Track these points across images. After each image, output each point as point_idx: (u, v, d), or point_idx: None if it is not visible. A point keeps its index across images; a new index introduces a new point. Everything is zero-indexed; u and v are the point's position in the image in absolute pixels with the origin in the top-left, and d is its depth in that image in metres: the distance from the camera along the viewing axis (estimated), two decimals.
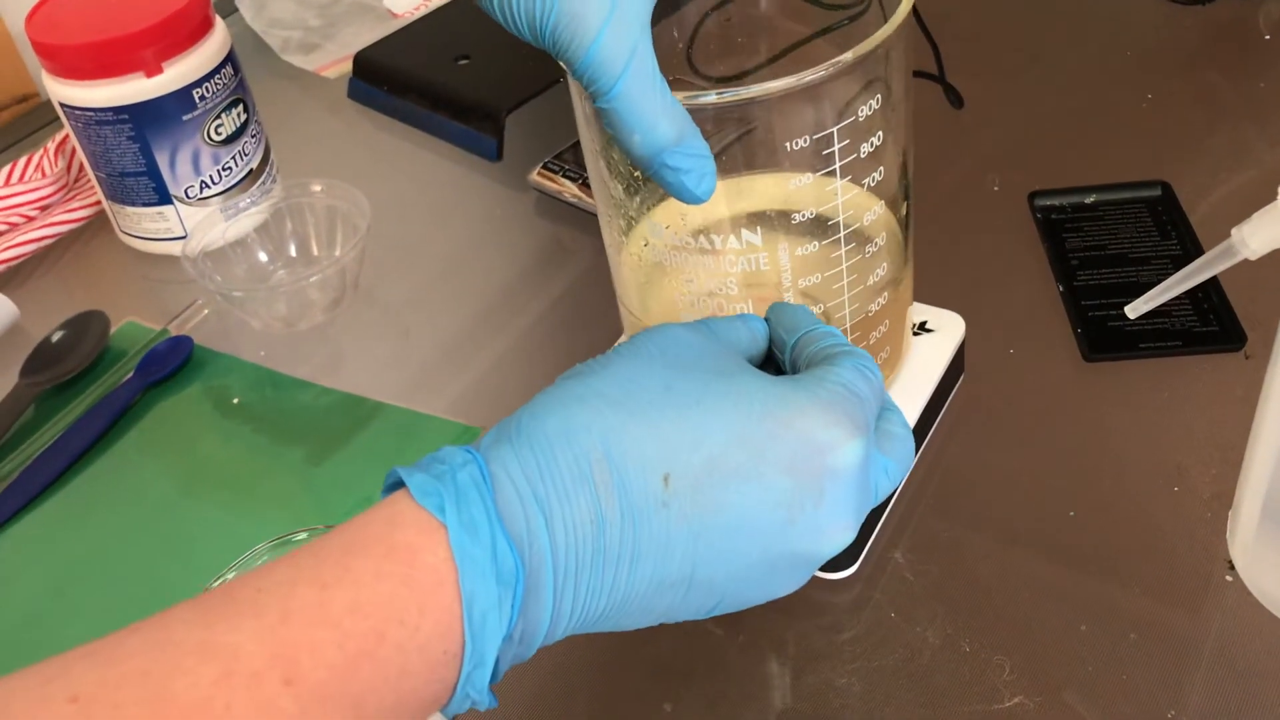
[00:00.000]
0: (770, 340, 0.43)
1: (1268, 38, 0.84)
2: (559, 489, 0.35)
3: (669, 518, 0.35)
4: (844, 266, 0.49)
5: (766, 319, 0.43)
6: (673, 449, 0.36)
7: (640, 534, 0.35)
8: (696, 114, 0.42)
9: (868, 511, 0.39)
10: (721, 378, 0.38)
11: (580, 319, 0.71)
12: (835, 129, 0.45)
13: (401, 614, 0.32)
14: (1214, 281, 0.63)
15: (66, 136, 0.83)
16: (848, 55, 0.43)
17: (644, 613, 0.37)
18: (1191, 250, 0.66)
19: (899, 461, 0.41)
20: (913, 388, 0.56)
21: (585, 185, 0.77)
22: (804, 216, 0.47)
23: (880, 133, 0.46)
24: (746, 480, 0.36)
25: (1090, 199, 0.71)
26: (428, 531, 0.34)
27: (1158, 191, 0.70)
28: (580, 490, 0.35)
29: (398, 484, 0.36)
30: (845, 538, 0.38)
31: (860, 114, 0.45)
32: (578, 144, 0.80)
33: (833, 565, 0.52)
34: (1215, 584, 0.51)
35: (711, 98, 0.42)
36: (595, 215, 0.76)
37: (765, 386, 0.38)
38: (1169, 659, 0.49)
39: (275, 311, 0.71)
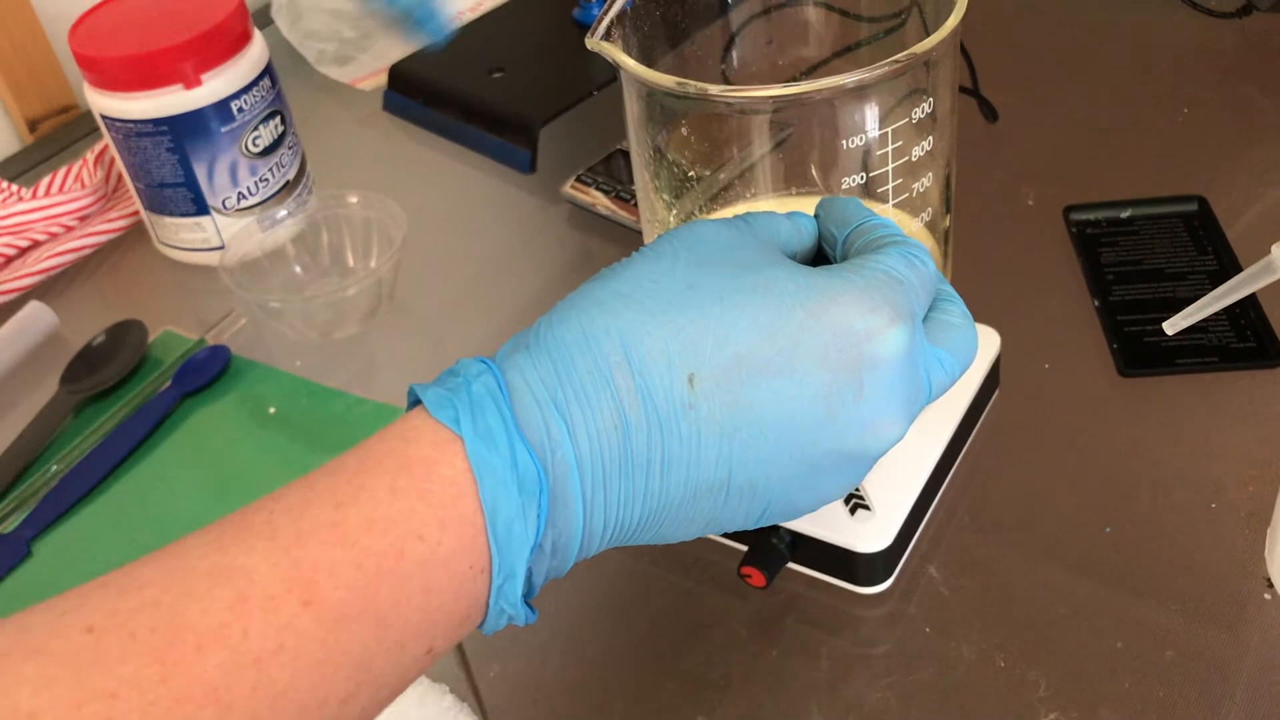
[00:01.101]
0: (821, 238, 0.41)
1: None
2: (579, 395, 0.34)
3: (697, 420, 0.34)
4: None
5: (816, 215, 0.41)
6: (696, 348, 0.34)
7: (668, 438, 0.34)
8: (752, 109, 0.42)
9: (920, 406, 0.37)
10: (749, 271, 0.36)
11: None
12: (890, 129, 0.45)
13: (420, 529, 0.32)
14: (1251, 297, 0.63)
15: (106, 147, 0.84)
16: (909, 52, 0.43)
17: (685, 521, 0.36)
18: (1229, 266, 0.66)
19: (956, 354, 0.38)
20: (947, 402, 0.56)
21: (618, 198, 0.77)
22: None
23: (931, 138, 0.47)
24: (777, 376, 0.34)
25: (1126, 213, 0.70)
26: (443, 444, 0.33)
27: (1194, 206, 0.70)
28: (601, 395, 0.34)
29: (417, 403, 0.35)
30: (893, 433, 0.36)
31: (914, 116, 0.45)
32: (610, 157, 0.80)
33: (867, 579, 0.52)
34: (1254, 602, 0.51)
35: (771, 93, 0.43)
36: (627, 227, 0.76)
37: (796, 276, 0.36)
38: (1206, 677, 0.48)
39: (312, 322, 0.71)
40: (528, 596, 0.34)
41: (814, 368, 0.35)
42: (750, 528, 0.37)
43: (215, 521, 0.32)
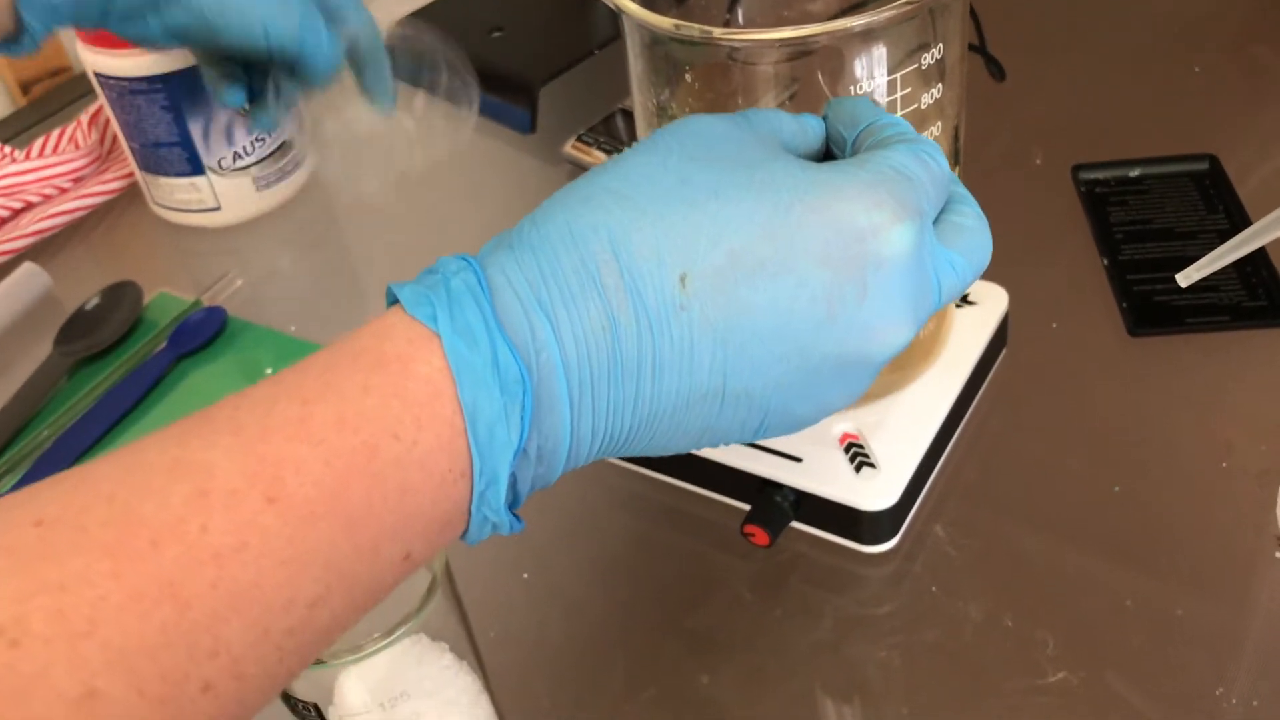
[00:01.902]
0: (830, 140, 0.39)
1: None
2: (564, 294, 0.32)
3: (690, 321, 0.32)
4: None
5: (824, 116, 0.39)
6: (688, 246, 0.32)
7: (659, 341, 0.32)
8: (761, 55, 0.40)
9: (929, 312, 0.35)
10: (747, 166, 0.34)
11: None
12: (899, 75, 0.44)
13: (395, 428, 0.30)
14: (1263, 255, 0.62)
15: (100, 108, 0.83)
16: None
17: (679, 431, 0.34)
18: (1240, 224, 0.65)
19: (968, 256, 0.36)
20: (955, 360, 0.55)
21: None
22: None
23: (940, 86, 0.46)
24: (775, 275, 0.33)
25: (1135, 172, 0.69)
26: (419, 341, 0.31)
27: (1205, 165, 0.69)
28: (588, 295, 0.32)
29: (395, 304, 0.33)
30: (898, 337, 0.35)
31: (923, 63, 0.44)
32: (612, 116, 0.79)
33: (872, 538, 0.52)
34: (1264, 560, 0.50)
35: (777, 35, 0.42)
36: None
37: (795, 171, 0.34)
38: (1216, 636, 0.47)
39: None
40: (513, 506, 0.33)
41: (814, 267, 0.33)
42: (749, 440, 0.35)
43: (177, 420, 0.30)
